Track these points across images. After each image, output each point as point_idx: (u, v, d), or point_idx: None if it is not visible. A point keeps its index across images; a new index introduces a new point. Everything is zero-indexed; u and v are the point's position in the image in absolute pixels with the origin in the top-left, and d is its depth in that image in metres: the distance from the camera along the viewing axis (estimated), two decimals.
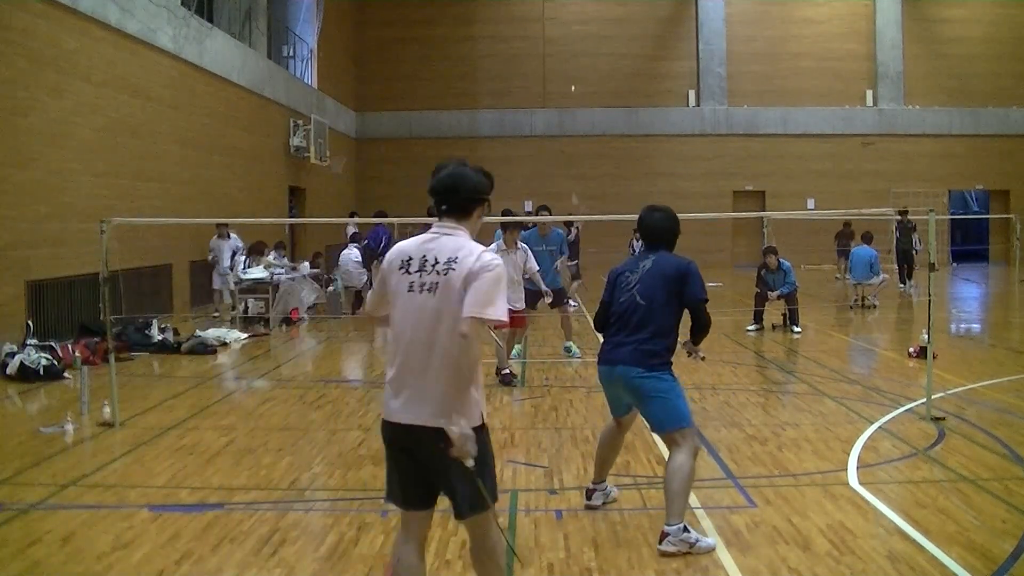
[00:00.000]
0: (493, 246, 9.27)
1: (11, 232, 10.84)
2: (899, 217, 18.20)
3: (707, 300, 4.78)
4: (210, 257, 15.48)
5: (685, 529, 4.41)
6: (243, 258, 14.89)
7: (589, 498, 5.15)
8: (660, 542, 4.41)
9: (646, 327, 4.69)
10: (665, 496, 4.52)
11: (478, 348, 3.15)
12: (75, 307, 11.78)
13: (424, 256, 3.24)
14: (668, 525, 4.42)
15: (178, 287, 15.63)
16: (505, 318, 3.22)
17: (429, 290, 3.18)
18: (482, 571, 3.38)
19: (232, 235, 15.43)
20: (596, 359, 4.95)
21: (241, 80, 18.47)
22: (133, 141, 13.98)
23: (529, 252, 9.58)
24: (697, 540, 4.42)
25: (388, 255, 3.39)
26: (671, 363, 4.72)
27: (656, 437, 5.25)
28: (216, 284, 15.41)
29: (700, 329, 4.84)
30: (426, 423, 3.15)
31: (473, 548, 3.42)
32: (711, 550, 4.41)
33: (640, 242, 5.17)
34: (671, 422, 4.62)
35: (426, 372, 3.18)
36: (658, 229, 4.92)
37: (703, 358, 5.11)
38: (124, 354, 10.70)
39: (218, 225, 15.34)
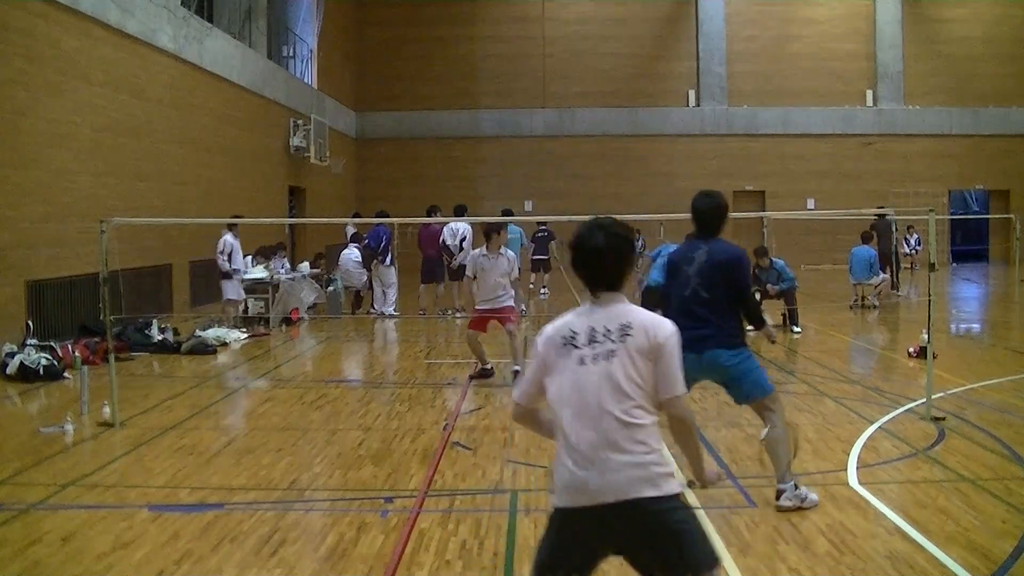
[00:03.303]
0: (476, 251, 9.45)
1: (11, 232, 10.83)
2: (874, 218, 17.34)
3: (751, 287, 5.25)
4: (225, 259, 13.17)
5: (796, 486, 4.98)
6: (249, 258, 14.86)
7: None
8: (777, 499, 4.97)
9: (718, 314, 5.03)
10: (772, 461, 5.05)
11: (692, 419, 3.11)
12: (75, 307, 11.77)
13: (591, 327, 3.07)
14: (781, 483, 4.98)
15: (178, 287, 15.62)
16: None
17: (606, 358, 3.01)
18: None
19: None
20: None
21: (241, 80, 18.47)
22: (133, 141, 13.98)
23: (514, 259, 9.57)
24: (806, 496, 5.01)
25: (545, 333, 3.16)
26: (745, 338, 5.14)
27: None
28: (232, 293, 13.30)
29: (748, 315, 5.23)
30: (627, 497, 2.89)
31: None
32: (815, 505, 5.01)
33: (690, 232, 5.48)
34: (760, 392, 5.07)
35: (619, 443, 2.93)
36: (705, 215, 5.19)
37: (773, 341, 5.59)
38: (124, 354, 10.71)
39: (231, 225, 13.36)
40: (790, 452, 5.09)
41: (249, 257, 14.89)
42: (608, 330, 3.05)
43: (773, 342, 5.54)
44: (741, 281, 5.10)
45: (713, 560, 2.92)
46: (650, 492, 2.89)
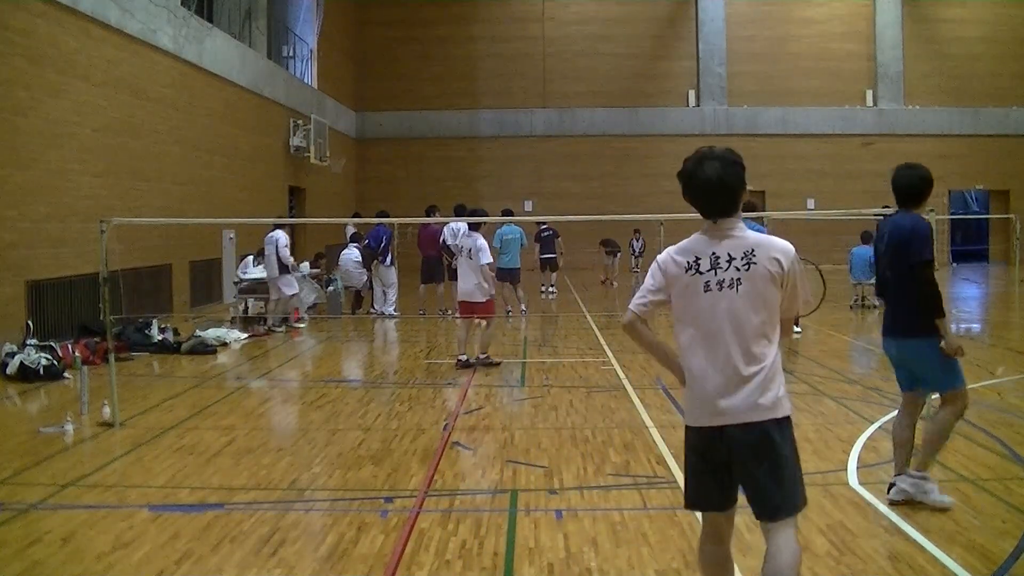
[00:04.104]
0: (480, 241, 10.01)
1: (11, 232, 10.83)
2: (879, 218, 17.42)
3: (928, 261, 4.72)
4: (288, 254, 13.78)
5: (925, 480, 4.92)
6: (250, 258, 14.88)
7: (888, 491, 5.07)
8: (888, 491, 4.99)
9: (904, 295, 4.84)
10: (922, 447, 4.95)
11: None
12: (75, 307, 11.78)
13: (714, 253, 3.17)
14: (898, 475, 4.96)
15: (178, 287, 15.63)
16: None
17: (731, 286, 3.14)
18: None
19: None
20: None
21: (241, 80, 18.47)
22: (133, 141, 13.98)
23: None
24: (932, 490, 4.90)
25: (665, 257, 3.27)
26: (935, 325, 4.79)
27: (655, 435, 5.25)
28: (291, 289, 13.76)
29: (923, 299, 4.73)
30: (753, 419, 3.11)
31: (774, 561, 3.09)
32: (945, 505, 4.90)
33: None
34: (948, 386, 4.88)
35: (745, 369, 3.12)
36: (899, 187, 5.03)
37: (946, 348, 4.76)
38: (124, 354, 10.71)
39: (282, 225, 14.08)
40: (936, 452, 5.02)
41: (250, 257, 14.92)
42: (731, 257, 3.15)
43: (944, 348, 4.72)
44: (912, 256, 4.72)
45: (793, 504, 3.14)
46: (766, 416, 3.10)
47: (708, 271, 3.16)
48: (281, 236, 13.58)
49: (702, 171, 3.17)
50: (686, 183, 3.23)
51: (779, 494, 3.13)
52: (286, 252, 13.59)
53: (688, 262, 3.20)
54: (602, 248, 22.99)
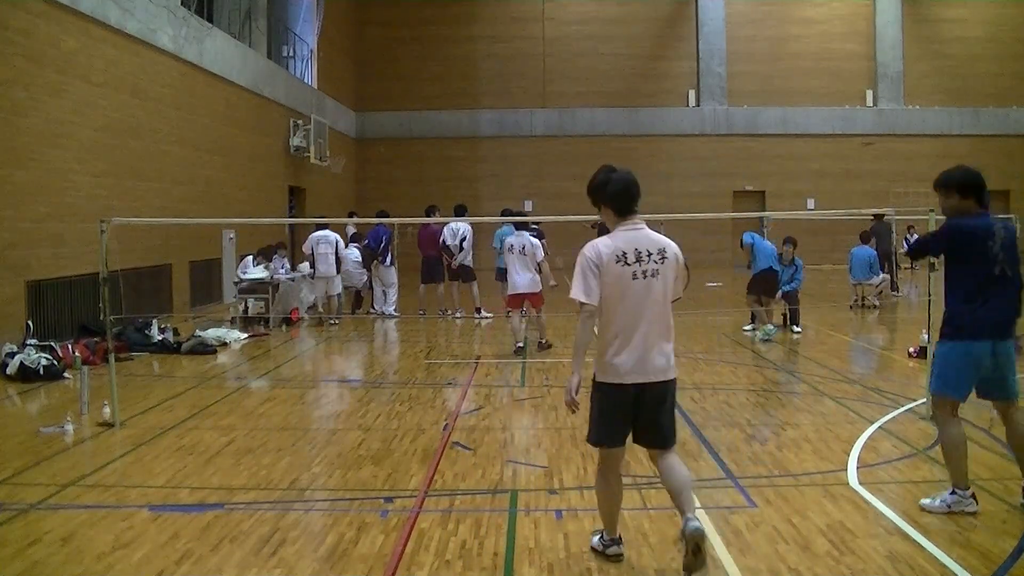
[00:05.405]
0: (536, 240, 11.08)
1: (11, 232, 10.83)
2: (873, 220, 17.56)
3: None
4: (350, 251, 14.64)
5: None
6: (250, 258, 14.89)
7: None
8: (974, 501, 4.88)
9: (1014, 298, 4.77)
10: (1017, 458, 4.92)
11: None
12: (75, 307, 11.78)
13: (636, 249, 4.05)
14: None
15: (178, 287, 15.63)
16: None
17: (652, 276, 4.04)
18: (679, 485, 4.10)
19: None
20: (956, 333, 4.77)
21: (241, 80, 18.47)
22: (133, 141, 13.98)
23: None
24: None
25: (597, 252, 4.03)
26: None
27: None
28: (339, 287, 14.53)
29: None
30: (665, 378, 4.09)
31: (675, 472, 4.12)
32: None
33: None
34: (1016, 391, 4.82)
35: (659, 340, 4.06)
36: (977, 185, 4.81)
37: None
38: (124, 354, 10.71)
39: (326, 225, 14.63)
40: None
41: (250, 257, 14.93)
42: (650, 252, 4.06)
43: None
44: None
45: (675, 436, 4.24)
46: (671, 376, 4.11)
47: (635, 263, 4.02)
48: (338, 236, 14.46)
49: (619, 176, 4.20)
50: (605, 185, 4.17)
51: (671, 429, 4.18)
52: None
53: (618, 255, 4.02)
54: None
